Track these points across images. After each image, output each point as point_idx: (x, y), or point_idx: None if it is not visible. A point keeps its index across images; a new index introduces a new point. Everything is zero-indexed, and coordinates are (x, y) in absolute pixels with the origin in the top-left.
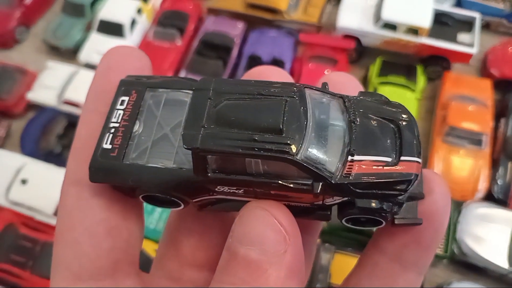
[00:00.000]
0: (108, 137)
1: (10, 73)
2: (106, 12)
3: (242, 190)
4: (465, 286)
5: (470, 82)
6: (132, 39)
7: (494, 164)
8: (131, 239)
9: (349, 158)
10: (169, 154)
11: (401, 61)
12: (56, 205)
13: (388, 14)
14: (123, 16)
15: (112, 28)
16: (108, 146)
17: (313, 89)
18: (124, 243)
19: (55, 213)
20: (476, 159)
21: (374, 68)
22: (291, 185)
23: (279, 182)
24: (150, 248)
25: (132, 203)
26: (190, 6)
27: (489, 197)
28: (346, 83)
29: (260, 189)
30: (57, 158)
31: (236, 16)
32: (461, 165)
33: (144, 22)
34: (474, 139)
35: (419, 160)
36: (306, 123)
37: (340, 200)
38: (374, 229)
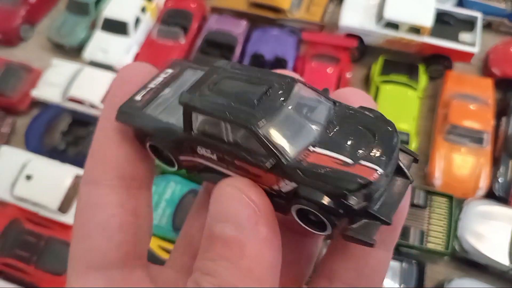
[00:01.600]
0: (141, 93)
1: (15, 71)
2: (110, 11)
3: (215, 155)
4: (466, 283)
5: (472, 81)
6: (136, 37)
7: (495, 162)
8: (140, 234)
9: (310, 148)
10: (178, 115)
11: (403, 60)
12: (60, 201)
13: (390, 13)
14: (127, 14)
15: (116, 26)
16: (138, 98)
17: (307, 87)
18: (133, 238)
19: (60, 209)
20: (478, 157)
21: (376, 67)
22: (249, 158)
23: (241, 152)
24: (153, 243)
25: (142, 201)
26: (193, 4)
27: (490, 195)
28: (359, 99)
29: (228, 157)
30: (61, 154)
31: (239, 14)
32: (462, 163)
33: (148, 21)
34: (476, 137)
35: (380, 170)
36: (281, 108)
37: (291, 188)
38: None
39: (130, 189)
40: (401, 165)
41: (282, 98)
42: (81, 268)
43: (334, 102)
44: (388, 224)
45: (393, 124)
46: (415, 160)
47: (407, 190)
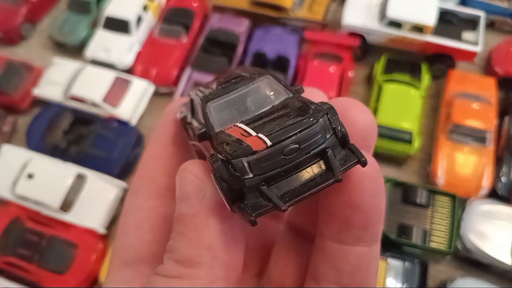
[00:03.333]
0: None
1: (16, 69)
2: (112, 9)
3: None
4: (468, 282)
5: (475, 80)
6: (137, 36)
7: (498, 162)
8: (169, 236)
9: (236, 124)
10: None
11: (406, 59)
12: (62, 199)
13: (393, 12)
14: (129, 13)
15: (118, 25)
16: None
17: (275, 81)
18: (163, 238)
19: (61, 207)
20: (480, 156)
21: (379, 66)
22: (190, 122)
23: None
24: None
25: (173, 208)
26: (195, 3)
27: (493, 194)
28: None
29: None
30: (62, 153)
31: (241, 13)
32: (465, 162)
33: (149, 19)
34: (478, 137)
35: (269, 142)
36: (229, 94)
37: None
38: None
39: (164, 198)
40: (330, 160)
41: (237, 87)
42: (117, 261)
43: (293, 95)
44: (280, 209)
45: (332, 113)
46: (360, 163)
47: (323, 184)
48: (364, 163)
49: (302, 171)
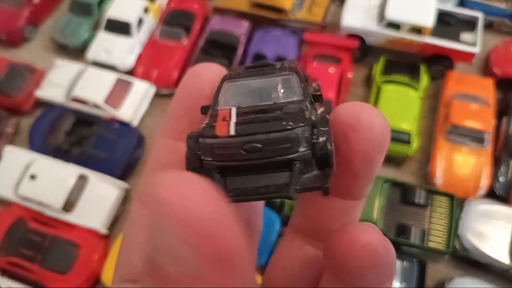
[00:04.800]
0: None
1: (19, 71)
2: (113, 11)
3: None
4: (467, 282)
5: (473, 81)
6: (139, 37)
7: (496, 162)
8: None
9: (231, 108)
10: None
11: (405, 60)
12: (64, 200)
13: (392, 14)
14: (130, 15)
15: (119, 27)
16: None
17: (298, 79)
18: None
19: (64, 208)
20: (478, 156)
21: (378, 67)
22: None
23: None
24: None
25: None
26: (196, 5)
27: (491, 194)
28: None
29: None
30: (65, 154)
31: (241, 15)
32: (463, 162)
33: (150, 21)
34: (477, 137)
35: (232, 132)
36: (250, 78)
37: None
38: None
39: None
40: (293, 174)
41: (259, 74)
42: (117, 277)
43: (303, 99)
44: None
45: (322, 126)
46: (322, 189)
47: (273, 194)
48: (326, 191)
49: (263, 175)
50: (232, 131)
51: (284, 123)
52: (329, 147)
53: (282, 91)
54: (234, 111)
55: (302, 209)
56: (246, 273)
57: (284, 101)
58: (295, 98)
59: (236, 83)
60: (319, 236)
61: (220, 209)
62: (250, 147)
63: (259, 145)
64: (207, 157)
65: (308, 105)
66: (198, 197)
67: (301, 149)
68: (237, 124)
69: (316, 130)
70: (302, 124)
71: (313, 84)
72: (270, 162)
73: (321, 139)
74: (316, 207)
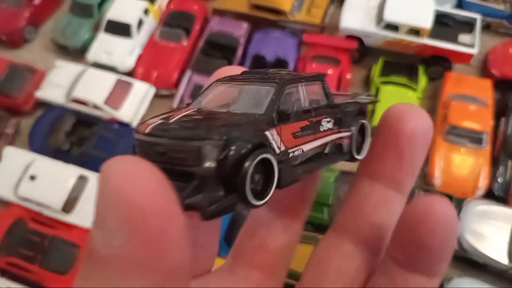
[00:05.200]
0: None
1: (19, 72)
2: (113, 13)
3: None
4: (465, 282)
5: (471, 82)
6: (139, 39)
7: (494, 162)
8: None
9: (194, 107)
10: None
11: (403, 61)
12: (64, 201)
13: (390, 15)
14: (130, 16)
15: (119, 28)
16: None
17: (271, 93)
18: None
19: (63, 209)
20: (477, 157)
21: (377, 68)
22: None
23: None
24: None
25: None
26: (195, 6)
27: (489, 195)
28: None
29: None
30: (65, 155)
31: (240, 16)
32: (461, 163)
33: (150, 23)
34: (475, 138)
35: (148, 129)
36: (238, 82)
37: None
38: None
39: None
40: (185, 189)
41: (247, 81)
42: None
43: (262, 115)
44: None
45: (236, 144)
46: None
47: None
48: (204, 215)
49: (174, 181)
50: (147, 130)
51: (193, 132)
52: (246, 168)
53: (247, 101)
54: (194, 111)
55: (348, 200)
56: (173, 258)
57: (237, 111)
58: (255, 111)
59: (222, 85)
60: (360, 229)
61: (156, 190)
62: (154, 149)
63: (162, 149)
64: (135, 149)
65: (263, 122)
66: (135, 176)
67: (205, 164)
68: (160, 124)
69: (230, 147)
70: (216, 138)
71: (360, 97)
72: (173, 170)
73: (232, 156)
74: (361, 195)
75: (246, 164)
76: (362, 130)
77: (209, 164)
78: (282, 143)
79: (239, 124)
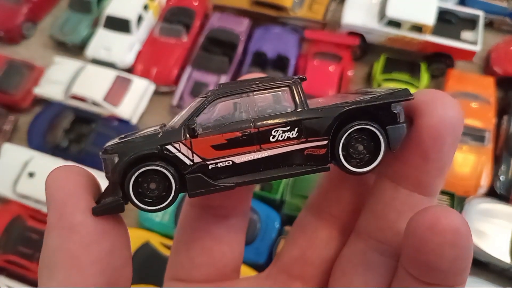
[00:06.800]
0: None
1: (17, 68)
2: (112, 8)
3: None
4: (467, 281)
5: (473, 80)
6: (138, 35)
7: (497, 161)
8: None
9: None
10: None
11: (405, 58)
12: None
13: (392, 12)
14: (130, 12)
15: (118, 24)
16: None
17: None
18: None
19: None
20: (479, 155)
21: (378, 65)
22: None
23: None
24: (155, 240)
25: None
26: (196, 2)
27: (492, 193)
28: None
29: None
30: (63, 152)
31: (241, 12)
32: (464, 161)
33: (150, 19)
34: (477, 136)
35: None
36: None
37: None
38: None
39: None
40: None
41: (239, 91)
42: (168, 276)
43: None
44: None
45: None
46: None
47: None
48: (95, 211)
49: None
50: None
51: (112, 148)
52: (130, 176)
53: (183, 116)
54: (178, 120)
55: (370, 205)
56: (85, 242)
57: (163, 129)
58: (175, 126)
59: (196, 100)
60: (384, 237)
61: (76, 184)
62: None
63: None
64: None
65: (169, 136)
66: (62, 175)
67: (107, 173)
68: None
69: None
70: (111, 152)
71: (396, 108)
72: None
73: (117, 166)
74: (385, 200)
75: (130, 173)
76: (374, 136)
77: (109, 173)
78: (195, 155)
79: (140, 141)
